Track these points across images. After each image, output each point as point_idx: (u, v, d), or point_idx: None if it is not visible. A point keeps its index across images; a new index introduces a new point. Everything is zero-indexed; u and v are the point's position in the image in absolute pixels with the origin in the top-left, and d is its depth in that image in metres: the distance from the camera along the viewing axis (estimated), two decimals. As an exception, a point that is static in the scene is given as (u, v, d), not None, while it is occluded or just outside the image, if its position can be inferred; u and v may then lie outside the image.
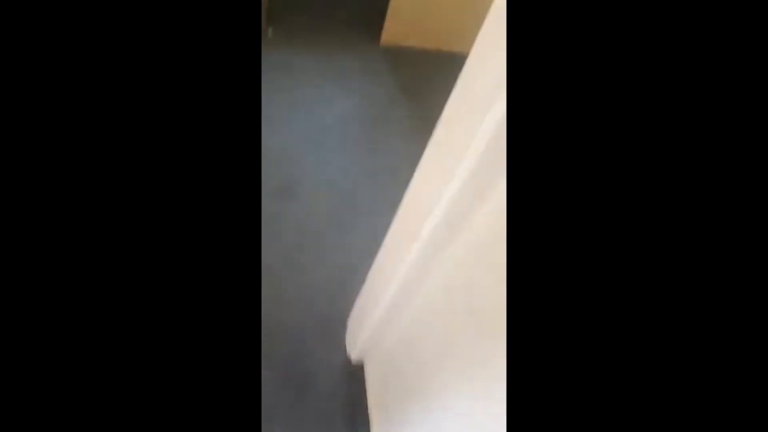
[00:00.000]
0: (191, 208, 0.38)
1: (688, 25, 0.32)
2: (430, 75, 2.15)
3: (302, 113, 1.89)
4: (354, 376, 1.27)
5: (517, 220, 0.37)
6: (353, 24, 2.31)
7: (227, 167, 0.38)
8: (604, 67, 0.34)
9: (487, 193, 0.65)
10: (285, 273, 1.43)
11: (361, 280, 1.19)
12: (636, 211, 0.33)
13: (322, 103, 1.94)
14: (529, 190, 0.36)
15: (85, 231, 0.36)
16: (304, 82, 2.01)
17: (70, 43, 0.35)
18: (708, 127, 0.32)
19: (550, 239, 0.36)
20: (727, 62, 0.31)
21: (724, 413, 0.32)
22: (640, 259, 0.33)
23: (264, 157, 1.69)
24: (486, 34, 0.58)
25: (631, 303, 0.33)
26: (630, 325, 0.34)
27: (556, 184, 0.35)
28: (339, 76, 2.06)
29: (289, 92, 1.95)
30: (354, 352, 1.27)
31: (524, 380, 0.36)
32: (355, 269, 1.35)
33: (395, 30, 2.13)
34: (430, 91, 1.99)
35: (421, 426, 0.88)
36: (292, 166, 1.70)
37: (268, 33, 2.12)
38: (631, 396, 0.34)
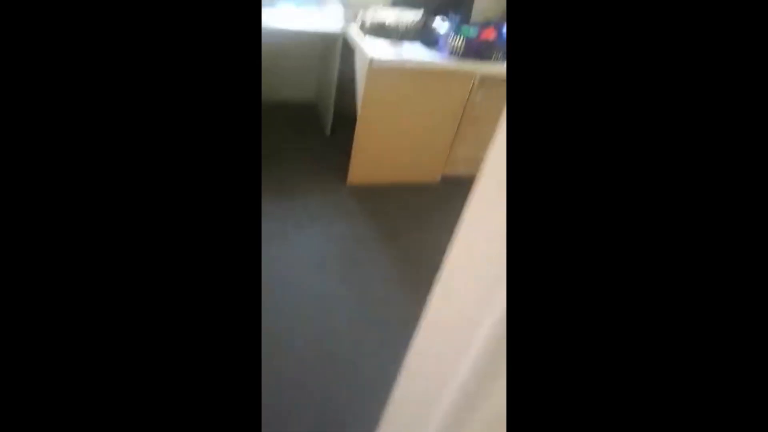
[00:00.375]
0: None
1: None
2: (396, 206, 2.29)
3: (274, 258, 1.82)
4: None
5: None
6: (320, 169, 2.45)
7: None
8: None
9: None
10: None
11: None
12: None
13: (295, 246, 1.90)
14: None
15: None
16: (274, 228, 1.99)
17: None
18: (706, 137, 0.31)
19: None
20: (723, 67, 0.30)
21: (723, 413, 0.31)
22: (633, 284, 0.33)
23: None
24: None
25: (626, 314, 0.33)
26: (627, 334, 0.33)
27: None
28: (309, 219, 2.07)
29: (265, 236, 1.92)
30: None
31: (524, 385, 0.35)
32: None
33: (359, 171, 2.35)
34: (399, 224, 2.14)
35: None
36: (269, 313, 1.58)
37: None
38: (630, 396, 0.33)
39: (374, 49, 2.02)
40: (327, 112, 2.68)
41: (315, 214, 2.10)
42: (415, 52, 2.11)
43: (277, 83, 2.90)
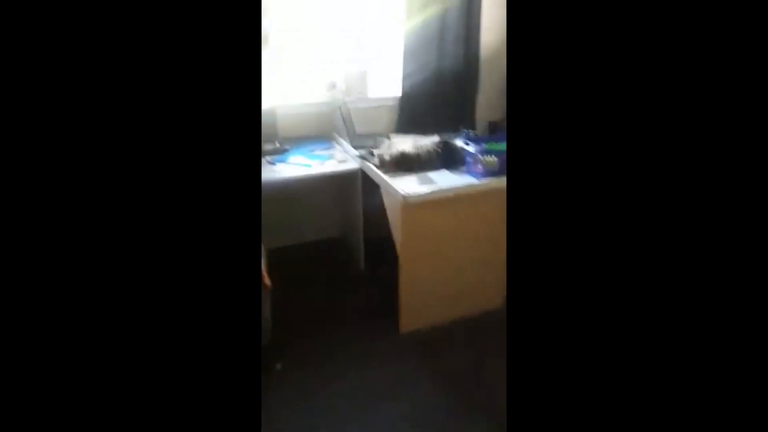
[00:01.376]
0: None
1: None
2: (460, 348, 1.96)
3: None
4: None
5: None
6: (365, 312, 2.18)
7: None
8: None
9: None
10: None
11: None
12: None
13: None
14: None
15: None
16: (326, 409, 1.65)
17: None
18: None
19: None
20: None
21: (723, 413, 0.31)
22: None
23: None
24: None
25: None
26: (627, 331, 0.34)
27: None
28: (366, 392, 1.73)
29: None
30: None
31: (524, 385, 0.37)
32: None
33: (411, 315, 2.04)
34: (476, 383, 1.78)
35: None
36: None
37: (276, 367, 1.81)
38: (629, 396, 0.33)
39: (403, 185, 1.86)
40: (357, 247, 2.49)
41: (375, 387, 1.75)
42: (445, 179, 1.95)
43: (299, 227, 2.77)
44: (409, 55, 2.54)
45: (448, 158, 2.05)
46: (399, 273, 1.95)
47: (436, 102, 2.64)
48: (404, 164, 2.01)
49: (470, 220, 1.96)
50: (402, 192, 1.80)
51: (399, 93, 2.64)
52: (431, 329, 2.06)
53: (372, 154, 2.13)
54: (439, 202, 1.86)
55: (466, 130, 2.22)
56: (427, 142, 2.09)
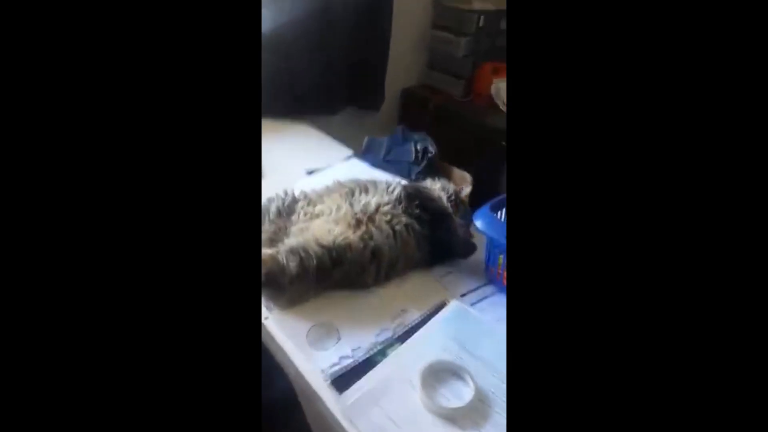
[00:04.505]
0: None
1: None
2: None
3: None
4: None
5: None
6: None
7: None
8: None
9: None
10: None
11: None
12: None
13: None
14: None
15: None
16: None
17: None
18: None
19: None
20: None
21: (722, 413, 0.32)
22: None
23: None
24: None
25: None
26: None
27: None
28: None
29: None
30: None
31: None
32: None
33: None
34: None
35: None
36: None
37: None
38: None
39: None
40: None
41: None
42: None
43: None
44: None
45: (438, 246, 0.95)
46: None
47: (315, 58, 1.54)
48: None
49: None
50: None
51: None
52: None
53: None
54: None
55: (401, 126, 1.40)
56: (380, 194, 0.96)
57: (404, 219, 0.90)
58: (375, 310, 0.84)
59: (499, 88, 1.97)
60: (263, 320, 0.77)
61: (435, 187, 1.06)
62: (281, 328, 0.77)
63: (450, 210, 0.99)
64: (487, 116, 1.95)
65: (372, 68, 1.78)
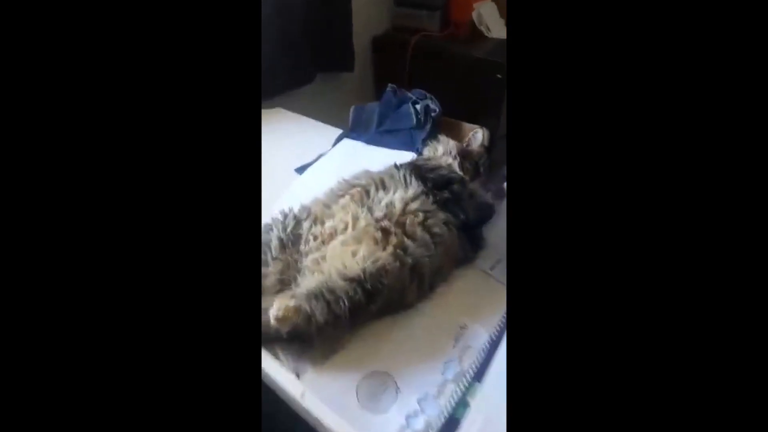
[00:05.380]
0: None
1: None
2: None
3: None
4: None
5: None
6: None
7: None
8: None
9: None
10: None
11: None
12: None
13: None
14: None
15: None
16: None
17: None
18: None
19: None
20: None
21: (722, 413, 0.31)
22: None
23: None
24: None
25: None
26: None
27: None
28: None
29: None
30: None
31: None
32: None
33: None
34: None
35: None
36: None
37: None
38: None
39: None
40: None
41: None
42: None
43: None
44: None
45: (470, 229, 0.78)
46: None
47: (270, 25, 1.28)
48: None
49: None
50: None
51: None
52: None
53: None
54: None
55: (391, 87, 1.15)
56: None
57: (441, 215, 0.71)
58: (429, 335, 0.67)
59: (481, 13, 1.73)
60: (299, 398, 0.59)
61: (437, 153, 0.87)
62: (320, 394, 0.60)
63: (461, 176, 0.81)
64: (473, 46, 1.73)
65: (335, 24, 1.52)
